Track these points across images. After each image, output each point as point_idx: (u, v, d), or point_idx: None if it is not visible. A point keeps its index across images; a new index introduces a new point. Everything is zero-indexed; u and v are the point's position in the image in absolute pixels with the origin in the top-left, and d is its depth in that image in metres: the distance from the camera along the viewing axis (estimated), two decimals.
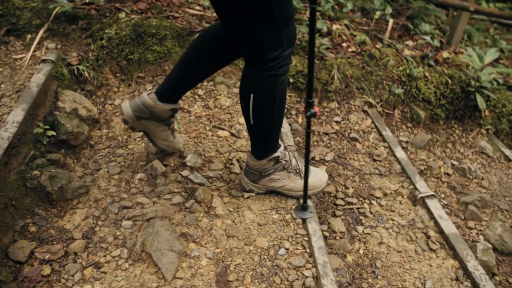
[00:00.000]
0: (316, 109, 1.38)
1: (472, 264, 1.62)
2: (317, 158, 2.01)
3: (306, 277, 1.38)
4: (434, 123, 2.58)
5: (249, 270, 1.39)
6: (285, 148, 1.60)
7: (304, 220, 1.57)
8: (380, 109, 2.45)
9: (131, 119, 1.62)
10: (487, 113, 2.61)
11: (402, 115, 2.51)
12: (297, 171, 1.61)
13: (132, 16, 2.21)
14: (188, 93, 2.16)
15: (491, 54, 2.47)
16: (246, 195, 1.65)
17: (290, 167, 1.60)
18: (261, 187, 1.63)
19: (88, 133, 1.86)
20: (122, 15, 2.22)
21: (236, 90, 2.20)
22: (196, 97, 2.16)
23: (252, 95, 1.38)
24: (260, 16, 1.20)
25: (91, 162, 1.78)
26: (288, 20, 1.27)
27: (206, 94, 2.17)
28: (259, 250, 1.45)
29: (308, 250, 1.47)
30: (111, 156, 1.81)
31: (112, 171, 1.73)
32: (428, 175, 2.26)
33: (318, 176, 1.65)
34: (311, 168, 1.68)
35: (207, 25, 2.40)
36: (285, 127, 2.02)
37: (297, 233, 1.52)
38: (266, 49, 1.28)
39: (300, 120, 2.21)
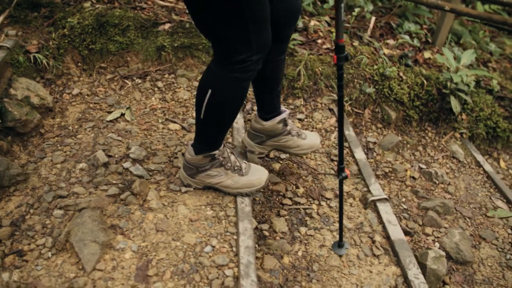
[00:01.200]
0: (347, 172, 1.44)
1: (413, 273, 1.56)
2: (271, 156, 1.97)
3: (227, 276, 1.34)
4: (407, 124, 2.50)
5: (170, 265, 1.36)
6: (224, 145, 1.56)
7: (340, 256, 1.60)
8: (349, 108, 2.38)
9: (255, 147, 1.76)
10: (464, 116, 2.51)
11: (372, 115, 2.44)
12: (235, 168, 1.58)
13: (97, 6, 2.19)
14: (147, 85, 2.14)
15: (467, 56, 2.37)
16: (184, 189, 1.62)
17: (229, 164, 1.57)
18: (199, 182, 1.60)
19: (38, 121, 1.86)
20: (87, 4, 2.21)
21: (197, 84, 2.17)
22: (156, 89, 2.13)
23: (210, 91, 1.35)
24: (231, 18, 1.17)
25: (38, 150, 1.78)
26: (261, 25, 1.24)
27: (166, 86, 2.15)
28: (185, 246, 1.43)
29: (234, 249, 1.43)
30: (58, 145, 1.80)
31: (55, 159, 1.72)
32: (392, 178, 2.20)
33: (257, 174, 1.61)
34: (252, 165, 1.64)
35: (176, 17, 2.37)
36: (239, 122, 1.98)
37: (227, 231, 1.49)
38: (233, 51, 1.25)
39: None
